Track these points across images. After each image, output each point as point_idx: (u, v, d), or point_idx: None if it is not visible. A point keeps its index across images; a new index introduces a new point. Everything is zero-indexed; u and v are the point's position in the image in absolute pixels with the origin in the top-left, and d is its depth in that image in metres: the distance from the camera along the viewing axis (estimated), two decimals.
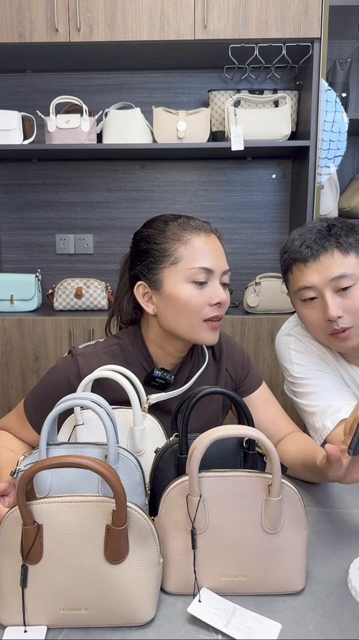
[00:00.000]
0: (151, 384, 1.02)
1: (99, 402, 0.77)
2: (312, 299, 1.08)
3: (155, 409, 0.98)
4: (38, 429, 1.04)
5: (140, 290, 1.02)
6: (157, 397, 0.98)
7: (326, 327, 1.08)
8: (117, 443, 0.78)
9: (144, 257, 1.01)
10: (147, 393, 0.99)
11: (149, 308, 1.01)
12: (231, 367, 1.13)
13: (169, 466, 0.80)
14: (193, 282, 0.97)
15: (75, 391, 0.99)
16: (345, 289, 1.04)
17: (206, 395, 0.77)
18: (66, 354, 1.06)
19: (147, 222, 1.05)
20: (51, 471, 0.76)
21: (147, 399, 0.96)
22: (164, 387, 1.03)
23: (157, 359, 1.05)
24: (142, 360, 1.04)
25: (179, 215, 1.03)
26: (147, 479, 0.82)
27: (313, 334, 1.15)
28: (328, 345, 1.14)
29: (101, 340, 1.08)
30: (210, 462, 0.78)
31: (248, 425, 0.78)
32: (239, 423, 0.80)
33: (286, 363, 1.20)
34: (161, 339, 1.03)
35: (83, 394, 0.80)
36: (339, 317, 1.05)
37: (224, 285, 1.02)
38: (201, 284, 0.97)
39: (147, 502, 0.80)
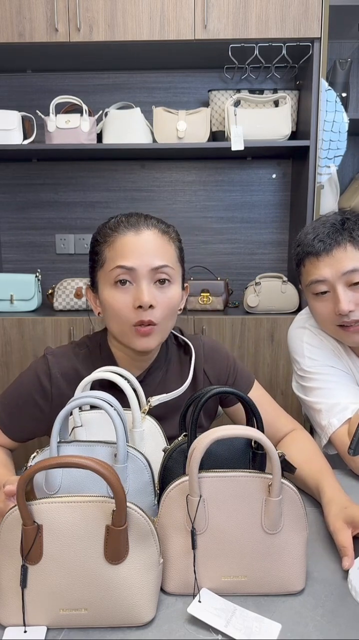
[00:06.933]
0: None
1: (109, 402, 0.77)
2: (324, 292, 1.08)
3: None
4: (8, 431, 1.02)
5: (89, 293, 1.03)
6: (158, 398, 0.97)
7: (336, 319, 1.08)
8: (127, 442, 0.78)
9: (89, 261, 1.02)
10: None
11: (95, 310, 1.02)
12: (211, 372, 1.08)
13: (177, 466, 0.80)
14: (115, 283, 0.93)
15: (45, 389, 0.99)
16: (357, 283, 1.04)
17: (216, 394, 0.76)
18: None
19: None
20: (62, 469, 0.76)
21: (148, 402, 0.95)
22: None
23: (122, 362, 1.03)
24: (106, 364, 0.99)
25: (120, 214, 0.99)
26: (156, 479, 0.81)
27: (323, 327, 1.15)
28: (338, 338, 1.14)
29: (77, 340, 1.09)
30: (219, 462, 0.78)
31: (257, 425, 0.78)
32: (247, 423, 0.80)
33: (298, 356, 1.19)
34: (119, 341, 1.00)
35: (94, 393, 0.79)
36: (351, 311, 1.05)
37: (161, 281, 0.94)
38: (122, 284, 0.92)
39: (156, 502, 0.80)
